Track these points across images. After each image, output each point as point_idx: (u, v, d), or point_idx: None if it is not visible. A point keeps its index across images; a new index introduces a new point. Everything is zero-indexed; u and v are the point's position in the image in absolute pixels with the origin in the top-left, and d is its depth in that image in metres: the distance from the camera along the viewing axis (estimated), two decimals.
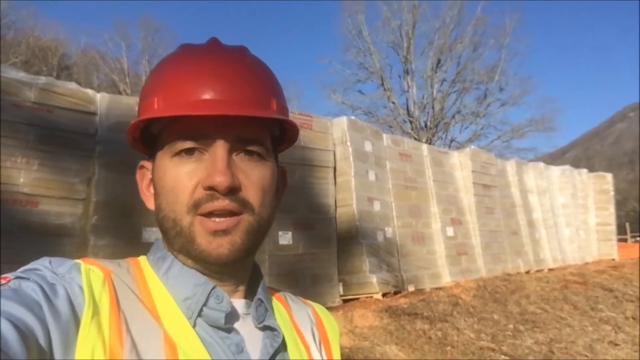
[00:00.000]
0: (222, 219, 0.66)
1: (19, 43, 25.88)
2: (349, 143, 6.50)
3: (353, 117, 7.06)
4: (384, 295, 6.25)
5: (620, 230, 20.12)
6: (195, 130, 0.67)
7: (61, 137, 4.32)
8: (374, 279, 6.15)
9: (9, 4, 25.05)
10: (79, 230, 4.35)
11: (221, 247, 0.66)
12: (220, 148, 0.66)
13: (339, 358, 0.82)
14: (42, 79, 4.33)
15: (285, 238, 5.57)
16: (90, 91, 4.63)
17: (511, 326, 6.02)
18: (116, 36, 30.06)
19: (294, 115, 5.82)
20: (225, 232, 0.66)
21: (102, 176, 4.48)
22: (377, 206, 6.69)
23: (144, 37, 30.18)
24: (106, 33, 30.62)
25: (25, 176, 4.10)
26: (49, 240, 4.09)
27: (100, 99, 4.63)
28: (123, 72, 29.31)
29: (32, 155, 4.15)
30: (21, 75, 4.20)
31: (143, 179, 0.76)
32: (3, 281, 0.58)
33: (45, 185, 4.19)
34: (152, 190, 0.73)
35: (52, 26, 30.12)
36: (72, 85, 4.51)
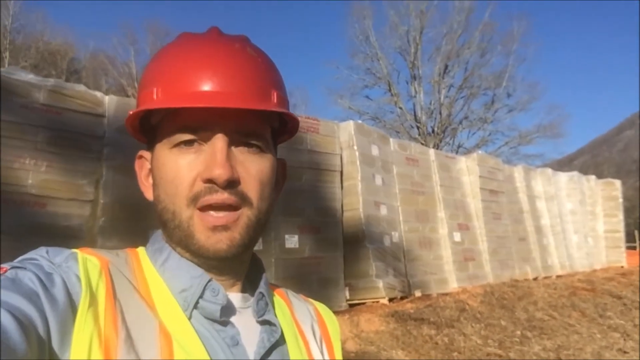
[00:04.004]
0: (222, 214, 0.65)
1: (29, 47, 26.06)
2: (355, 147, 6.49)
3: (360, 122, 7.05)
4: (390, 300, 6.22)
5: (629, 237, 19.96)
6: (195, 122, 0.66)
7: (69, 139, 4.34)
8: (380, 284, 6.13)
9: (20, 8, 25.29)
10: (86, 232, 4.36)
11: (220, 242, 0.65)
12: (219, 140, 0.66)
13: (341, 355, 0.81)
14: (51, 81, 4.35)
15: (291, 241, 5.57)
16: (98, 93, 4.66)
17: (518, 332, 5.98)
18: (125, 40, 30.26)
19: (301, 119, 5.83)
20: (224, 227, 0.65)
21: (109, 178, 4.50)
22: (383, 210, 6.67)
23: (152, 42, 30.33)
24: (115, 37, 30.88)
25: (34, 177, 4.12)
26: (57, 241, 4.09)
27: (109, 102, 4.65)
28: (131, 76, 29.41)
29: (41, 156, 4.17)
30: (30, 77, 4.22)
31: (142, 169, 0.76)
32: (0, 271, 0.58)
33: (53, 187, 4.21)
34: (150, 181, 0.73)
35: (61, 30, 30.47)
36: (81, 88, 4.54)
